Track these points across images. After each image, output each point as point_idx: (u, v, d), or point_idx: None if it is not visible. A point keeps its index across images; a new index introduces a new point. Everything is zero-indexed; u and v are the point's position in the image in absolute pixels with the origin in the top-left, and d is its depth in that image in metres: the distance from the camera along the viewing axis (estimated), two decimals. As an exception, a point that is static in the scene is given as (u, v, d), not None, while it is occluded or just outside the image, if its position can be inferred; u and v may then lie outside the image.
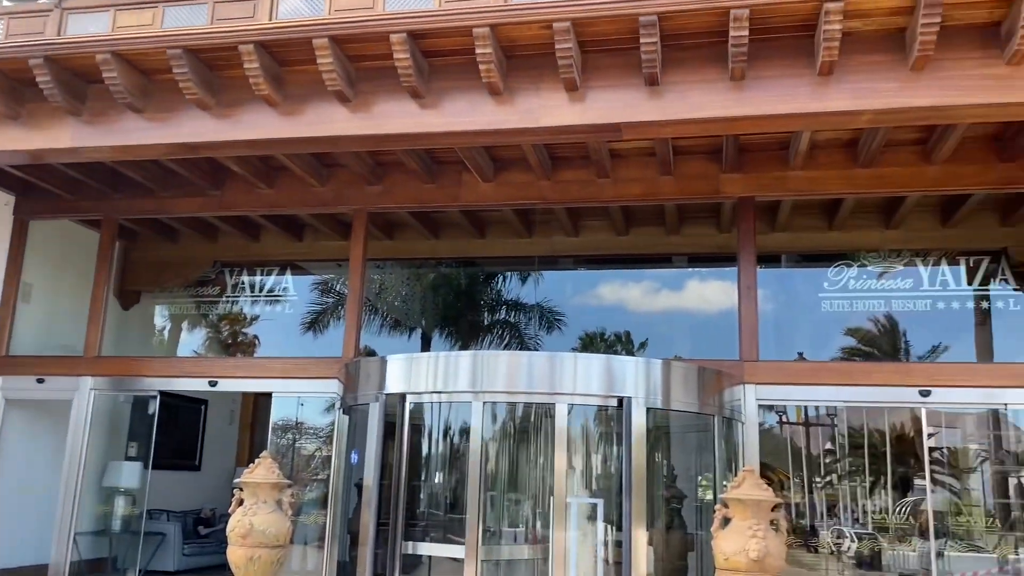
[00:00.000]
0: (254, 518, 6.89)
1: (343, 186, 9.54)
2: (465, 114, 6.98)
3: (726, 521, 6.70)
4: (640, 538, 6.83)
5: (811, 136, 7.94)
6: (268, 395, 9.61)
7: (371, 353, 10.21)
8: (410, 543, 7.39)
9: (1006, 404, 8.18)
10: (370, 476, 7.47)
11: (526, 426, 9.40)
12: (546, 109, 6.85)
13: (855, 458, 11.14)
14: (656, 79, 6.54)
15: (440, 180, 9.29)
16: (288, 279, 10.57)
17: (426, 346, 11.41)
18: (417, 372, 7.56)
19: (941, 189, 8.40)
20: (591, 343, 10.45)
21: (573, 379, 7.36)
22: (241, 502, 7.06)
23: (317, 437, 10.06)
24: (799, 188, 8.60)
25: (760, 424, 11.23)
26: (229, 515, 6.96)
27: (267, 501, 7.33)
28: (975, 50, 6.19)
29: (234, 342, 11.22)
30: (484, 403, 7.37)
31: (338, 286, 10.82)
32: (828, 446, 11.46)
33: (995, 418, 9.40)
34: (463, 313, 11.54)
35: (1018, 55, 5.97)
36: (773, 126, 6.90)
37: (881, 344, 9.52)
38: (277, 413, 9.83)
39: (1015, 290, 8.73)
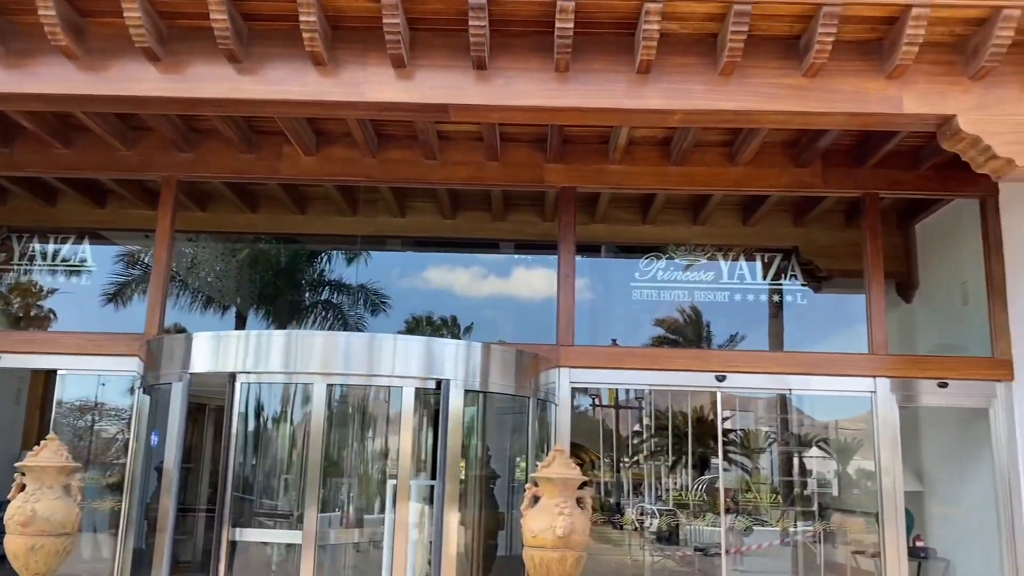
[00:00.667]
0: (37, 504, 6.39)
1: (151, 151, 8.92)
2: (286, 82, 6.69)
3: (536, 500, 6.90)
4: (452, 519, 6.89)
5: (629, 132, 8.27)
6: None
7: (181, 331, 9.66)
8: (237, 529, 7.05)
9: (791, 389, 8.94)
10: (171, 459, 7.06)
11: (345, 408, 9.26)
12: (372, 84, 6.69)
13: (660, 439, 11.79)
14: (484, 63, 6.56)
15: (259, 151, 8.89)
16: (87, 248, 9.78)
17: (241, 325, 10.94)
18: (226, 351, 7.22)
19: (742, 189, 9.01)
20: (417, 327, 10.40)
21: (392, 361, 7.29)
22: (23, 487, 6.51)
23: (120, 419, 9.42)
24: (617, 182, 8.95)
25: (575, 407, 11.63)
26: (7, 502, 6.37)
27: (52, 486, 6.78)
28: (777, 60, 6.64)
29: (26, 316, 10.24)
30: (298, 384, 7.18)
31: (145, 258, 10.12)
32: (636, 428, 12.10)
33: (782, 402, 10.25)
34: (282, 292, 11.14)
35: (813, 67, 6.47)
36: (593, 119, 7.12)
37: (686, 332, 10.12)
38: (71, 392, 9.11)
39: (803, 285, 9.52)
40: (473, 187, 9.16)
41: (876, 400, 8.46)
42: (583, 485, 6.97)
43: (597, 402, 12.28)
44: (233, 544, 7.31)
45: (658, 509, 11.62)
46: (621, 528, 11.69)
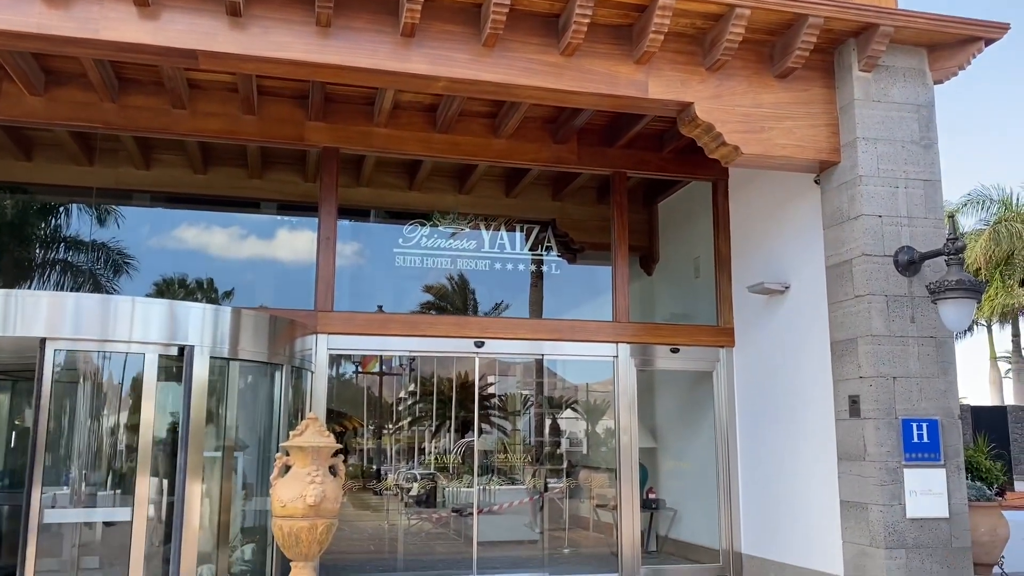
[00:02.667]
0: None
1: None
2: (6, 9, 5.91)
3: (287, 469, 6.71)
4: (195, 492, 6.53)
5: (395, 96, 8.17)
6: None
7: None
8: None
9: (543, 355, 9.36)
10: None
11: (75, 377, 8.43)
12: (110, 21, 6.08)
13: (424, 405, 11.91)
14: (238, 10, 6.17)
15: (-29, 85, 7.80)
16: None
17: (-45, 285, 9.59)
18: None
19: (504, 161, 9.23)
20: (168, 289, 9.66)
21: (129, 325, 6.72)
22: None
23: None
24: (382, 145, 8.82)
25: (340, 375, 11.45)
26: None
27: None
28: (538, 37, 6.85)
29: None
30: (18, 348, 6.43)
31: None
32: (401, 395, 12.13)
33: (539, 367, 10.70)
34: (7, 248, 9.89)
35: (570, 47, 6.73)
36: (356, 79, 6.94)
37: (452, 300, 10.27)
38: None
39: (559, 256, 9.96)
40: (227, 141, 8.62)
41: (617, 364, 9.08)
42: (336, 453, 6.88)
43: (362, 369, 12.15)
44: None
45: (419, 473, 11.76)
46: (381, 494, 11.70)
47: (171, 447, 6.81)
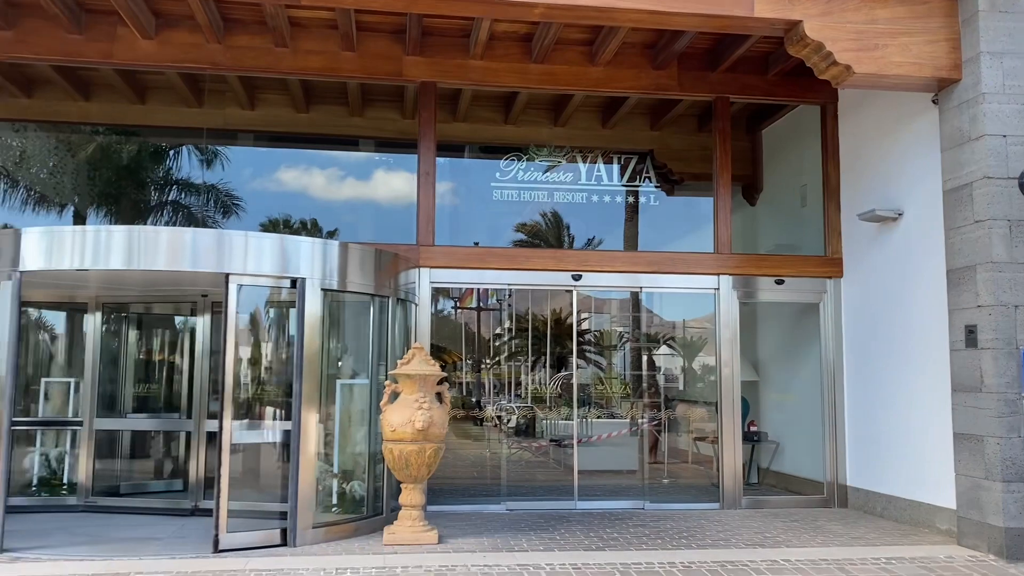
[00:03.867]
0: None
1: (-38, 26, 8.00)
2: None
3: (395, 396, 6.97)
4: (311, 419, 6.84)
5: (491, 26, 8.10)
6: None
7: (9, 230, 8.90)
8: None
9: (641, 287, 9.29)
10: (4, 364, 6.60)
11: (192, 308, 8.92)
12: (215, -40, 6.22)
13: (520, 340, 12.06)
14: (337, -58, 6.20)
15: (90, 31, 8.14)
16: None
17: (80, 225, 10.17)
18: (60, 247, 6.71)
19: (602, 90, 9.07)
20: (275, 230, 10.02)
21: (244, 258, 7.00)
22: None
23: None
24: (478, 78, 8.80)
25: (439, 311, 11.70)
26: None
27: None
28: (637, -42, 6.63)
29: None
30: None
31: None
32: (497, 330, 12.31)
33: (635, 302, 10.65)
34: (125, 191, 10.40)
35: (671, -33, 6.51)
36: (454, 9, 6.91)
37: (547, 234, 10.29)
38: None
39: (657, 188, 9.80)
40: (328, 78, 8.77)
41: (719, 297, 8.95)
42: (442, 381, 7.10)
43: (459, 304, 12.38)
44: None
45: (517, 406, 11.99)
46: (481, 424, 12.01)
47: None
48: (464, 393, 12.23)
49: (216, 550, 6.39)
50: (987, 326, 6.66)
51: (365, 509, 7.42)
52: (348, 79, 8.83)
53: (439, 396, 7.04)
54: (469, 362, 12.41)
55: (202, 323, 8.63)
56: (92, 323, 8.61)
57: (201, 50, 8.30)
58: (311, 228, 10.17)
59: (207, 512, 8.10)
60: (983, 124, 6.76)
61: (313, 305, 6.95)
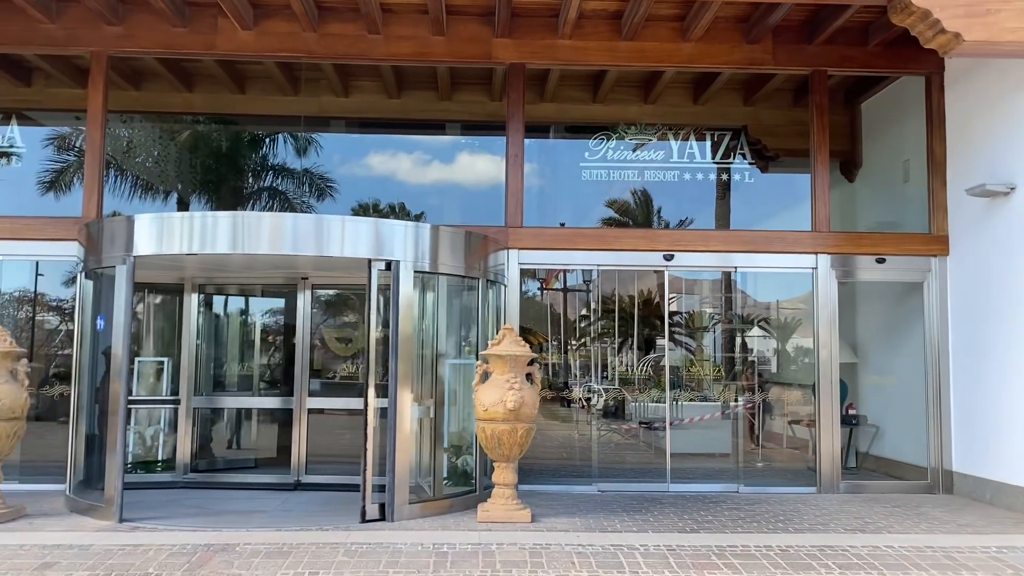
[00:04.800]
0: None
1: (78, 24, 8.43)
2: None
3: (486, 376, 7.05)
4: (405, 397, 7.00)
5: (580, 4, 8.04)
6: (-3, 263, 8.62)
7: (119, 217, 9.37)
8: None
9: (736, 267, 9.11)
10: (119, 344, 6.98)
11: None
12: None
13: (607, 321, 12.02)
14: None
15: (193, 24, 8.46)
16: (15, 130, 9.31)
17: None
18: (170, 233, 7.03)
19: (694, 66, 8.90)
20: (365, 214, 10.24)
21: (341, 242, 7.20)
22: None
23: (61, 311, 9.28)
24: (567, 58, 8.76)
25: (525, 292, 11.77)
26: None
27: (0, 372, 6.74)
28: (731, -71, 6.46)
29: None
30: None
31: (78, 142, 9.69)
32: (584, 312, 12.28)
33: (727, 282, 10.45)
34: (225, 178, 10.80)
35: (767, -63, 6.31)
36: (544, -13, 6.88)
37: (635, 214, 10.18)
38: (7, 281, 8.94)
39: (751, 164, 9.57)
40: (419, 63, 8.88)
41: (817, 276, 8.70)
42: (532, 362, 7.14)
43: (544, 286, 12.40)
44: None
45: (604, 388, 11.95)
46: (569, 405, 12.03)
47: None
48: (551, 375, 12.28)
49: (364, 519, 6.78)
50: (1110, 305, 6.28)
51: (462, 486, 7.56)
52: (438, 63, 8.92)
53: (529, 377, 7.09)
54: (555, 343, 12.44)
55: (303, 303, 8.89)
56: (191, 304, 8.93)
57: (297, 39, 8.52)
58: (400, 211, 10.35)
59: (309, 487, 8.45)
60: (1107, 90, 6.34)
61: (407, 286, 7.08)
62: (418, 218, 10.23)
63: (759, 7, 8.21)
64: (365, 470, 6.87)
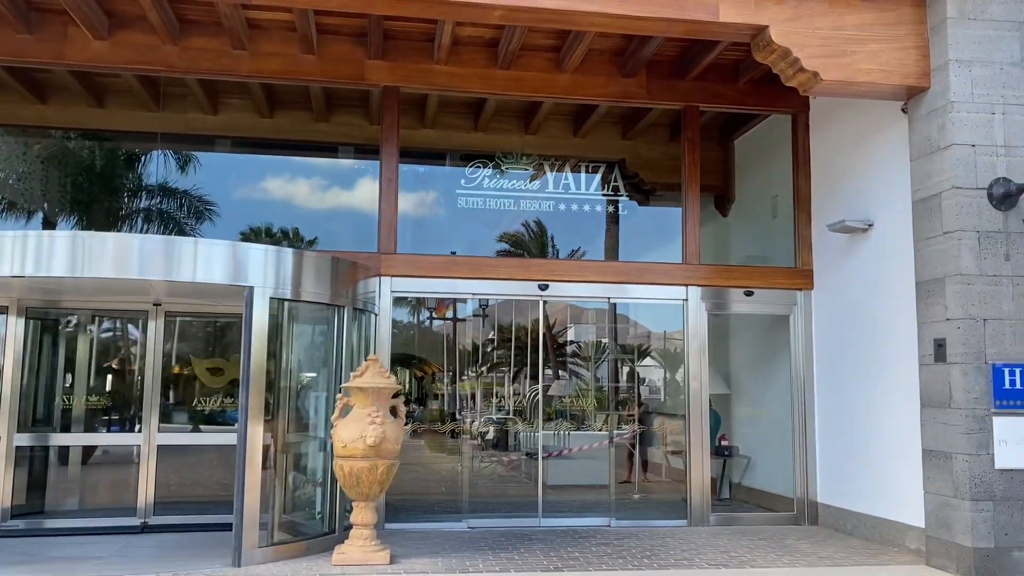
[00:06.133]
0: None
1: (-92, 26, 7.75)
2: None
3: (348, 410, 6.73)
4: (257, 432, 6.57)
5: (454, 30, 7.92)
6: None
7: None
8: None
9: (609, 298, 9.09)
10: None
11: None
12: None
13: (499, 351, 11.86)
14: (287, -61, 6.00)
15: (40, 31, 7.91)
16: None
17: (50, 234, 9.86)
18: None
19: (571, 97, 8.90)
20: (256, 239, 9.76)
21: (192, 266, 6.76)
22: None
23: None
24: (443, 83, 8.61)
25: (421, 322, 11.47)
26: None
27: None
28: (599, -39, 6.46)
29: None
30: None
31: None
32: (477, 341, 12.07)
33: (612, 313, 10.45)
34: (98, 197, 10.12)
35: (633, -29, 6.33)
36: (411, 10, 6.71)
37: (521, 243, 10.05)
38: None
39: (628, 198, 9.61)
40: (288, 81, 8.54)
41: (687, 307, 8.77)
42: (397, 394, 6.86)
43: (436, 315, 12.16)
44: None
45: (493, 417, 11.76)
46: (457, 436, 11.79)
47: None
48: (441, 405, 12.00)
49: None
50: (956, 340, 6.49)
51: (317, 528, 7.16)
52: (309, 83, 8.61)
53: (394, 410, 6.80)
54: (449, 372, 12.19)
55: (154, 332, 8.32)
56: (16, 330, 8.01)
57: (156, 52, 8.07)
58: (292, 237, 9.92)
59: (159, 529, 7.86)
60: (952, 133, 6.61)
61: (261, 314, 6.69)
62: (311, 243, 9.81)
63: (633, 41, 8.29)
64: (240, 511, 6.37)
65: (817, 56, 6.76)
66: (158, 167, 9.94)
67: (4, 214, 9.75)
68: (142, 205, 10.16)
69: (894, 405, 7.41)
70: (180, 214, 9.88)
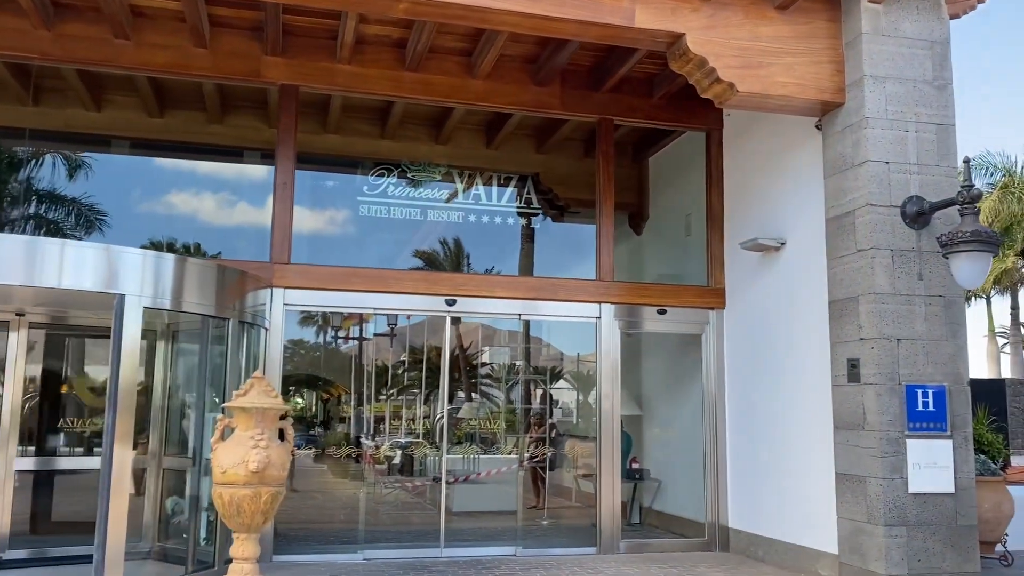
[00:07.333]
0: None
1: None
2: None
3: (230, 432, 6.11)
4: (124, 457, 5.90)
5: (358, 27, 7.48)
6: None
7: None
8: None
9: (520, 315, 8.70)
10: None
11: None
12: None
13: (408, 372, 11.34)
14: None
15: None
16: None
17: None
18: None
19: (482, 104, 8.52)
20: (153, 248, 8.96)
21: (58, 271, 6.07)
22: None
23: None
24: (346, 84, 8.12)
25: (327, 342, 10.84)
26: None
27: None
28: (512, -43, 6.13)
29: None
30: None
31: None
32: (385, 362, 11.52)
33: (526, 334, 10.09)
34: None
35: (548, -32, 6.02)
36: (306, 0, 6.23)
37: (422, 256, 9.60)
38: None
39: (542, 213, 9.30)
40: (176, 76, 7.90)
41: (600, 325, 8.47)
42: (284, 416, 6.29)
43: (345, 335, 11.59)
44: None
45: (402, 441, 11.25)
46: (359, 461, 11.21)
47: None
48: (347, 429, 11.41)
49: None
50: (870, 360, 6.35)
51: (192, 562, 6.49)
52: (200, 78, 7.99)
53: (281, 433, 6.21)
54: (356, 395, 11.61)
55: (15, 345, 7.48)
56: None
57: (27, 37, 7.33)
58: (195, 252, 9.17)
59: (14, 564, 7.03)
60: (866, 150, 6.51)
61: (132, 326, 6.03)
62: (216, 257, 9.12)
63: (547, 47, 8.01)
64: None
65: (733, 67, 6.58)
66: (39, 172, 9.11)
67: None
68: (30, 212, 9.28)
69: (807, 427, 7.24)
70: (67, 223, 9.07)
